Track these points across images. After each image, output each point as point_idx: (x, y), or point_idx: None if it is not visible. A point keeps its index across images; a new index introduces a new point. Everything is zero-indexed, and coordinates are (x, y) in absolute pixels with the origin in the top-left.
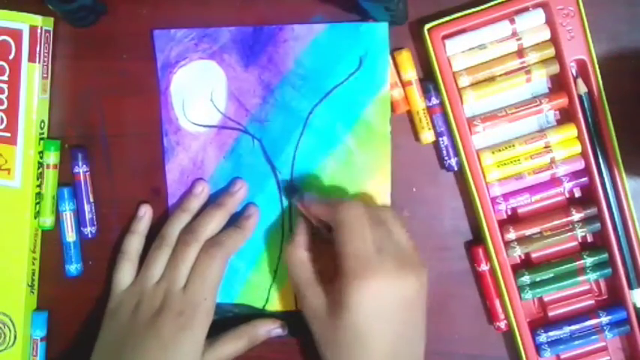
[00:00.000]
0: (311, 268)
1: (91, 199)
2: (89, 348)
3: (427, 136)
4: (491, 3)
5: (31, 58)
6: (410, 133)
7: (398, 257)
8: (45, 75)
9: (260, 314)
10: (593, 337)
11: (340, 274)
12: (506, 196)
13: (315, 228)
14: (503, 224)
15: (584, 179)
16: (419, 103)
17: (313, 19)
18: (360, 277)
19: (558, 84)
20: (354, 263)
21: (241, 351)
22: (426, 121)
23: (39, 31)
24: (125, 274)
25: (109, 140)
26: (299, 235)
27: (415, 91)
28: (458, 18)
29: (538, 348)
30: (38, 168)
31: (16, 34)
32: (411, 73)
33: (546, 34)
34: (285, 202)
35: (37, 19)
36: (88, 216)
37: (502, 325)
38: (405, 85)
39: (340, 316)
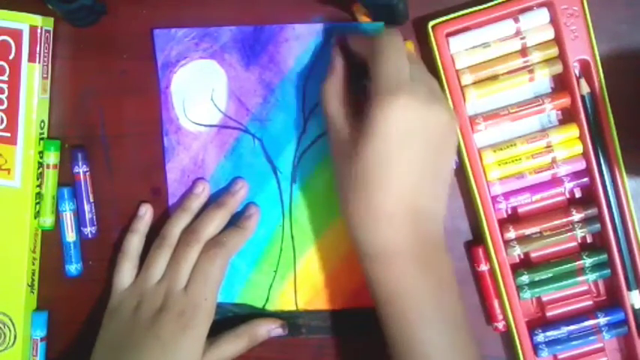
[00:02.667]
0: (345, 100)
1: (91, 199)
2: (89, 348)
3: None
4: (496, 1)
5: (31, 58)
6: None
7: (430, 90)
8: (45, 75)
9: (260, 314)
10: (591, 337)
11: (371, 97)
12: (507, 195)
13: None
14: (503, 223)
15: (585, 180)
16: None
17: (313, 19)
18: (391, 93)
19: (561, 84)
20: (386, 82)
21: (242, 351)
22: None
23: (39, 31)
24: (125, 273)
25: (109, 140)
26: (337, 67)
27: None
28: (462, 16)
29: (535, 348)
30: (38, 168)
31: (16, 34)
32: None
33: (550, 34)
34: (286, 202)
35: (37, 19)
36: (88, 216)
37: (500, 325)
38: None
39: (364, 140)
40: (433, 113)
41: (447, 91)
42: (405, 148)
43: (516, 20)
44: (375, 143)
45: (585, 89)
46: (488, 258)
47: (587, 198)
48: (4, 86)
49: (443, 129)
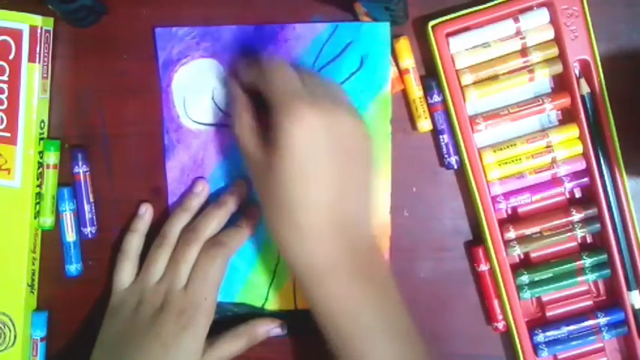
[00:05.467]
0: (255, 129)
1: (91, 199)
2: (89, 348)
3: (424, 124)
4: (496, 1)
5: (31, 58)
6: (411, 133)
7: (331, 95)
8: (45, 75)
9: (259, 313)
10: (591, 337)
11: (272, 117)
12: (507, 195)
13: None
14: (504, 223)
15: (585, 180)
16: (416, 91)
17: (313, 18)
18: (289, 106)
19: (561, 84)
20: (279, 97)
21: (241, 350)
22: (423, 109)
23: (39, 31)
24: (125, 273)
25: (109, 140)
26: (238, 101)
27: (412, 80)
28: (462, 16)
29: (535, 348)
30: (38, 168)
31: (16, 34)
32: (408, 61)
33: (550, 34)
34: None
35: (37, 19)
36: (88, 216)
37: (500, 325)
38: (402, 73)
39: (275, 159)
40: (335, 118)
41: (447, 91)
42: (314, 158)
43: (516, 20)
44: (283, 158)
45: (585, 89)
46: (488, 258)
47: (587, 198)
48: (4, 86)
49: (350, 133)
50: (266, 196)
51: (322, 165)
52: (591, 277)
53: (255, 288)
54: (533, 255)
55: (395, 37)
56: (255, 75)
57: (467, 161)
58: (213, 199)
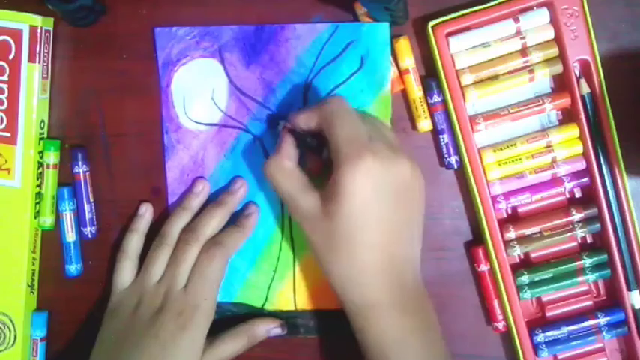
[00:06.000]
0: (301, 176)
1: (91, 199)
2: (89, 348)
3: (424, 124)
4: (496, 1)
5: (31, 58)
6: (411, 133)
7: (389, 144)
8: (45, 75)
9: (259, 313)
10: (591, 337)
11: (335, 163)
12: (507, 195)
13: (302, 142)
14: (504, 223)
15: (585, 180)
16: (416, 91)
17: (314, 18)
18: (355, 157)
19: (561, 84)
20: (347, 148)
21: (241, 350)
22: (423, 109)
23: (39, 31)
24: (125, 273)
25: (109, 140)
26: (284, 147)
27: (412, 80)
28: (462, 16)
29: (535, 348)
30: (38, 168)
31: (16, 34)
32: (408, 61)
33: (550, 34)
34: None
35: (37, 19)
36: (88, 216)
37: (500, 326)
38: (402, 73)
39: (336, 206)
40: (396, 167)
41: (447, 91)
42: (376, 205)
43: (516, 20)
44: (347, 205)
45: (585, 89)
46: (488, 258)
47: (587, 198)
48: (4, 86)
49: (408, 178)
50: (319, 240)
51: (382, 211)
52: (591, 277)
53: (255, 288)
54: (533, 255)
55: (395, 37)
56: (315, 118)
57: (467, 161)
58: (213, 199)
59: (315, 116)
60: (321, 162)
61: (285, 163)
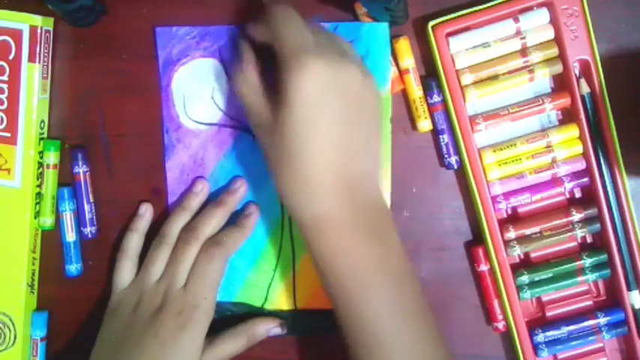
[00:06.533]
0: (260, 86)
1: (91, 199)
2: (89, 348)
3: (424, 124)
4: (496, 1)
5: (31, 58)
6: (411, 133)
7: (338, 50)
8: (45, 75)
9: (259, 313)
10: (591, 337)
11: (280, 68)
12: (507, 195)
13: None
14: (504, 223)
15: (585, 180)
16: (416, 91)
17: (314, 18)
18: (297, 58)
19: (561, 84)
20: (290, 49)
21: (240, 350)
22: (423, 109)
23: (39, 31)
24: (125, 272)
25: (109, 140)
26: (247, 58)
27: (412, 80)
28: (462, 16)
29: (535, 348)
30: (38, 168)
31: (16, 34)
32: (408, 61)
33: (550, 34)
34: None
35: (37, 19)
36: (88, 216)
37: (500, 326)
38: (402, 73)
39: (283, 112)
40: (344, 73)
41: (447, 91)
42: (323, 111)
43: (516, 20)
44: (291, 110)
45: (585, 89)
46: (488, 258)
47: (587, 198)
48: (4, 86)
49: (358, 87)
50: (272, 153)
51: (330, 118)
52: (591, 277)
53: (255, 287)
54: (533, 255)
55: (395, 37)
56: (265, 30)
57: (467, 161)
58: (213, 199)
59: (262, 28)
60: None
61: (248, 74)
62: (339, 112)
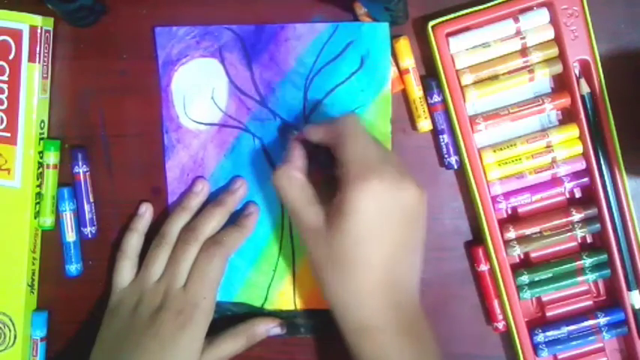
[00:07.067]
0: (309, 188)
1: (91, 199)
2: (89, 348)
3: (424, 124)
4: (496, 1)
5: (31, 58)
6: (411, 133)
7: (398, 168)
8: (45, 75)
9: (259, 313)
10: (591, 337)
11: (343, 182)
12: (507, 195)
13: (311, 155)
14: (504, 223)
15: (585, 180)
16: (416, 91)
17: (314, 18)
18: (363, 178)
19: (561, 84)
20: (357, 168)
21: (240, 350)
22: (423, 109)
23: (39, 31)
24: (125, 272)
25: (109, 140)
26: (294, 157)
27: (412, 80)
28: (462, 16)
29: (535, 348)
30: (38, 168)
31: (16, 34)
32: (408, 61)
33: (550, 34)
34: None
35: (37, 19)
36: (88, 216)
37: (500, 326)
38: (402, 73)
39: (340, 222)
40: (404, 191)
41: (447, 91)
42: (381, 227)
43: (516, 20)
44: (351, 224)
45: (585, 89)
46: (488, 258)
47: (587, 198)
48: (4, 86)
49: (414, 204)
50: (321, 257)
51: (385, 234)
52: (591, 277)
53: (255, 287)
54: (533, 255)
55: (395, 37)
56: (328, 135)
57: (467, 161)
58: (213, 199)
59: (329, 131)
60: (325, 176)
61: (295, 173)
62: (393, 229)
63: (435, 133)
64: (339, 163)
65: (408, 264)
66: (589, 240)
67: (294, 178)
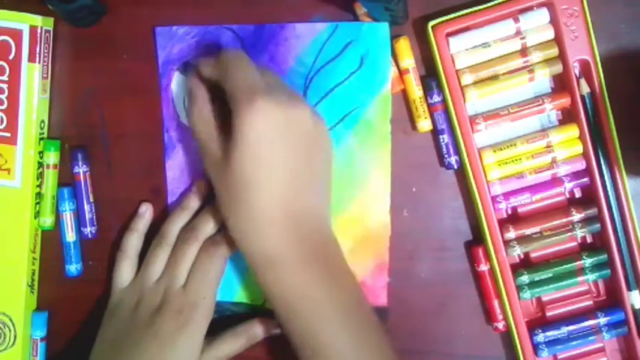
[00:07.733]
0: (212, 124)
1: (91, 199)
2: (89, 348)
3: (424, 124)
4: (496, 1)
5: (31, 58)
6: (411, 133)
7: (287, 92)
8: (45, 75)
9: (259, 313)
10: (591, 337)
11: (232, 111)
12: (507, 195)
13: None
14: (504, 223)
15: (585, 180)
16: (416, 91)
17: (314, 18)
18: (247, 101)
19: (561, 84)
20: (242, 93)
21: (240, 350)
22: (423, 109)
23: (39, 31)
24: (125, 272)
25: (109, 140)
26: (200, 94)
27: (412, 80)
28: (462, 16)
29: (535, 348)
30: (38, 168)
31: (16, 34)
32: (408, 61)
33: (550, 34)
34: None
35: (37, 19)
36: (88, 216)
37: (500, 325)
38: (402, 73)
39: (232, 149)
40: (294, 115)
41: (447, 91)
42: (272, 151)
43: (516, 20)
44: (241, 148)
45: (585, 89)
46: (488, 258)
47: (587, 198)
48: (4, 86)
49: (308, 127)
50: (221, 188)
51: (279, 157)
52: (591, 277)
53: (255, 287)
54: (533, 255)
55: (395, 37)
56: (215, 69)
57: (467, 161)
58: (213, 199)
59: (216, 66)
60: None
61: (205, 111)
62: (289, 152)
63: (435, 133)
64: (227, 93)
65: (313, 194)
66: (589, 240)
67: (204, 115)
